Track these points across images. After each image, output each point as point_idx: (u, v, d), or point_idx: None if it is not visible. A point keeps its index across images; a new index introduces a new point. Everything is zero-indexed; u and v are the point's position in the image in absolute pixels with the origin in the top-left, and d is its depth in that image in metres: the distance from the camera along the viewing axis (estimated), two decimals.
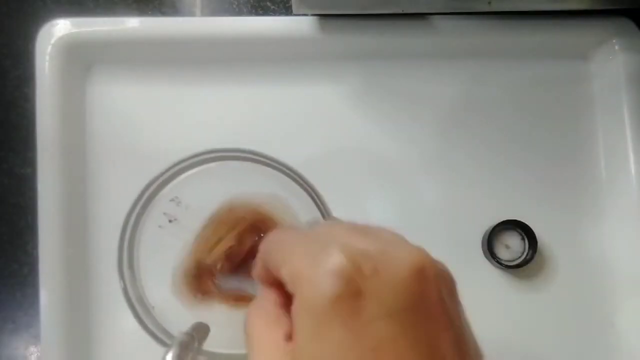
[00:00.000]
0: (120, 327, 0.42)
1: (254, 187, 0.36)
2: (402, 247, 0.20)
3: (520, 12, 0.43)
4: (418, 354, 0.18)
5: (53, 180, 0.41)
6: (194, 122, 0.44)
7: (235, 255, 0.37)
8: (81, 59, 0.43)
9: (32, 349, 0.42)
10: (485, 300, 0.43)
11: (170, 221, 0.35)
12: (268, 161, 0.32)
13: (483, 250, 0.43)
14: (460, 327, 0.20)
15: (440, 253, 0.45)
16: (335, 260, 0.18)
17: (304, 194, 0.32)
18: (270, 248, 0.23)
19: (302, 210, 0.33)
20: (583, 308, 0.43)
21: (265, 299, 0.23)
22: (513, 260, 0.43)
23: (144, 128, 0.44)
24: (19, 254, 0.43)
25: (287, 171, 0.32)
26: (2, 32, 0.45)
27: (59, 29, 0.42)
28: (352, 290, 0.18)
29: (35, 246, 0.41)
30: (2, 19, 0.45)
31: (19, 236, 0.43)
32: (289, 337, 0.20)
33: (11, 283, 0.43)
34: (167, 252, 0.35)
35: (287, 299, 0.22)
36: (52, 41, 0.41)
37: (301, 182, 0.32)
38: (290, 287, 0.20)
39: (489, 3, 0.40)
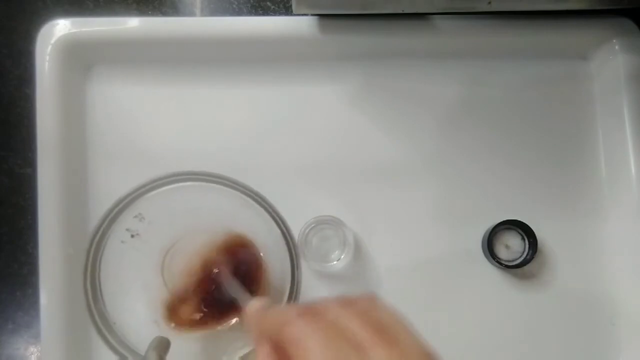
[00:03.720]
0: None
1: (216, 207, 0.37)
2: None
3: (520, 12, 0.43)
4: None
5: (53, 180, 0.41)
6: (193, 122, 0.44)
7: (203, 282, 0.38)
8: (81, 58, 0.43)
9: (32, 349, 0.42)
10: (485, 299, 0.43)
11: (132, 236, 0.35)
12: (231, 183, 0.33)
13: (483, 250, 0.43)
14: None
15: (440, 253, 0.45)
16: None
17: (265, 213, 0.33)
18: (282, 327, 0.24)
19: (264, 227, 0.34)
20: (583, 308, 0.43)
21: None
22: (513, 260, 0.43)
23: (143, 127, 0.44)
24: (19, 254, 0.43)
25: (249, 193, 0.33)
26: (2, 32, 0.45)
27: (59, 29, 0.42)
28: None
29: (35, 246, 0.41)
30: (2, 19, 0.45)
31: (19, 236, 0.43)
32: None
33: (11, 283, 0.43)
34: (128, 266, 0.36)
35: (283, 357, 0.24)
36: (52, 41, 0.41)
37: (262, 202, 0.33)
38: None
39: (489, 3, 0.40)
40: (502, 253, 0.43)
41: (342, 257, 0.42)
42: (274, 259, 0.37)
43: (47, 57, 0.41)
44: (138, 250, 0.36)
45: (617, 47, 0.44)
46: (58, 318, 0.40)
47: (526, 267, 0.42)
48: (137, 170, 0.44)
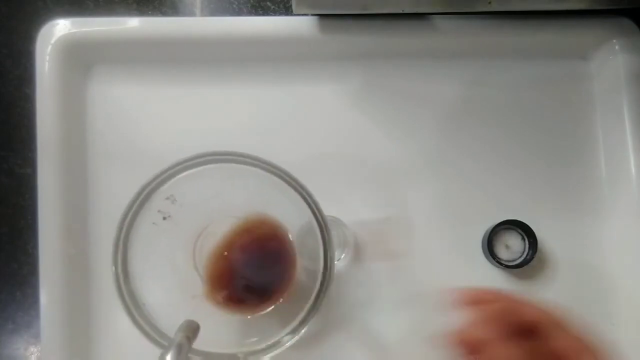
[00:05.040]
0: (120, 327, 0.42)
1: (249, 190, 0.36)
2: None
3: (520, 12, 0.43)
4: None
5: (53, 180, 0.41)
6: (193, 122, 0.44)
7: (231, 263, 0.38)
8: (81, 59, 0.43)
9: (32, 349, 0.42)
10: None
11: (164, 218, 0.35)
12: (263, 165, 0.32)
13: (483, 250, 0.43)
14: None
15: (441, 253, 0.45)
16: None
17: (298, 197, 0.32)
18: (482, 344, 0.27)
19: (296, 212, 0.33)
20: (583, 308, 0.43)
21: None
22: (513, 260, 0.43)
23: (144, 127, 0.44)
24: (19, 254, 0.43)
25: (283, 175, 0.32)
26: (3, 32, 0.45)
27: (59, 29, 0.42)
28: None
29: (35, 246, 0.41)
30: (2, 19, 0.45)
31: (19, 236, 0.43)
32: None
33: (11, 283, 0.43)
34: (159, 248, 0.36)
35: None
36: (52, 41, 0.41)
37: (296, 185, 0.32)
38: None
39: (489, 3, 0.40)
40: (502, 253, 0.43)
41: (342, 257, 0.42)
42: (304, 245, 0.37)
43: (47, 57, 0.41)
44: (170, 232, 0.36)
45: (617, 47, 0.44)
46: (58, 318, 0.40)
47: (526, 267, 0.42)
48: (137, 170, 0.43)
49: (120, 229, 0.32)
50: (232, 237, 0.38)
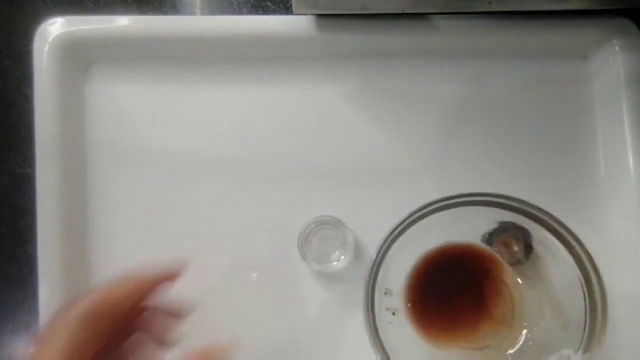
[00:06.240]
0: None
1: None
2: None
3: (520, 12, 0.43)
4: None
5: (52, 180, 0.41)
6: (192, 121, 0.44)
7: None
8: (79, 57, 0.43)
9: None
10: None
11: (393, 314, 0.35)
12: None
13: None
14: None
15: None
16: None
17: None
18: None
19: None
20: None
21: None
22: (511, 259, 0.43)
23: (143, 127, 0.44)
24: (19, 254, 0.43)
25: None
26: (3, 32, 0.44)
27: (57, 28, 0.42)
28: None
29: (35, 246, 0.41)
30: (2, 19, 0.45)
31: (19, 236, 0.43)
32: None
33: (11, 283, 0.43)
34: (405, 343, 0.36)
35: None
36: (50, 39, 0.41)
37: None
38: None
39: (489, 3, 0.40)
40: (500, 252, 0.43)
41: (342, 257, 0.42)
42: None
43: (45, 56, 0.41)
44: (405, 324, 0.36)
45: (617, 47, 0.43)
46: None
47: (523, 267, 0.42)
48: (136, 169, 0.44)
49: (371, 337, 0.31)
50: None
